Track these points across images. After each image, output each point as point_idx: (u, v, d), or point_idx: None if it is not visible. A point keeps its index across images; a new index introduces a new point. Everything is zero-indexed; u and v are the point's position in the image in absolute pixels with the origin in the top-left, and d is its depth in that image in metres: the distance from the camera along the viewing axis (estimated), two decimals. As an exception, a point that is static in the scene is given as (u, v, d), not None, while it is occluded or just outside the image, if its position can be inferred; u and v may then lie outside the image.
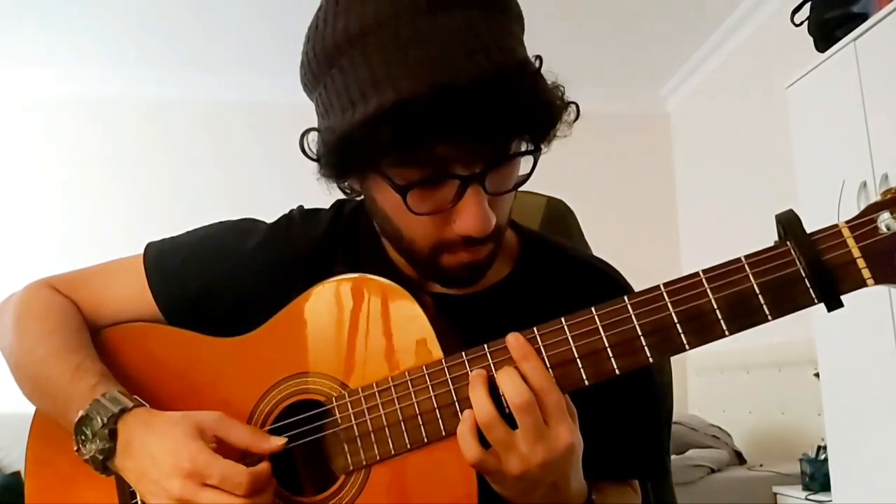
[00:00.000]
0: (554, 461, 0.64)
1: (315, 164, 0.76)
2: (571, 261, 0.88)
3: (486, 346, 0.69)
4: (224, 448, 0.70)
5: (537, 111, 0.69)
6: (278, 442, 0.71)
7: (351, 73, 0.67)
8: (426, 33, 0.64)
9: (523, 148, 0.71)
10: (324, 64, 0.70)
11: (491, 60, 0.64)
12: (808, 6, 2.37)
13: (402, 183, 0.69)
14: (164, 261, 0.87)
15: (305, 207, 0.92)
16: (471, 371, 0.67)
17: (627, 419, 0.80)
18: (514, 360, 0.66)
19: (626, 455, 0.80)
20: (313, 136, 0.75)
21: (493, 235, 0.73)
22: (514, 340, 0.66)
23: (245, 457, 0.71)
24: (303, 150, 0.75)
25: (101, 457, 0.71)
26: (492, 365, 0.67)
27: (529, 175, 0.73)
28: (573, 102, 0.72)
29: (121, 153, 4.09)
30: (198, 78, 4.12)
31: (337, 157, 0.71)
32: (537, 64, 0.70)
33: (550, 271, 0.85)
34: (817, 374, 2.31)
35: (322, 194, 0.92)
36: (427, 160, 0.67)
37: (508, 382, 0.65)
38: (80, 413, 0.72)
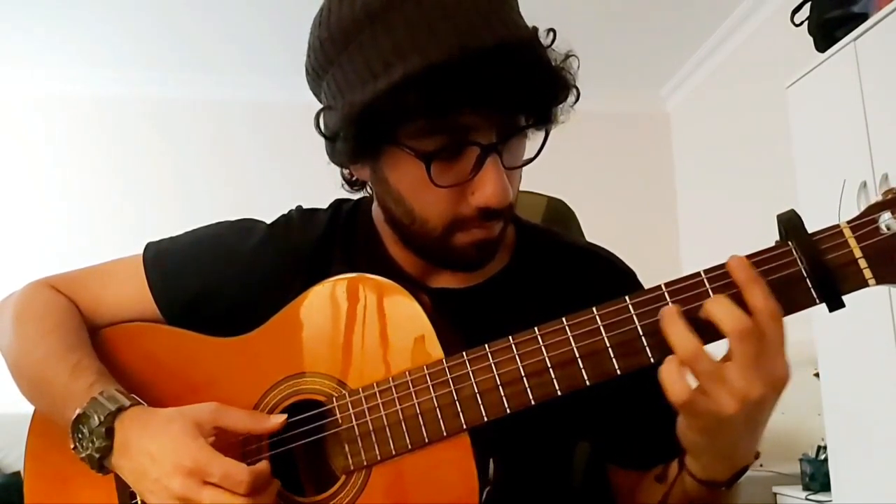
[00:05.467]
0: (770, 397, 0.60)
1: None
2: (569, 248, 0.88)
3: (486, 346, 0.68)
4: (223, 439, 0.70)
5: (553, 79, 0.72)
6: (278, 420, 0.72)
7: (372, 47, 0.68)
8: (450, 6, 0.67)
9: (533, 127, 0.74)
10: (340, 42, 0.71)
11: (510, 30, 0.69)
12: (808, 6, 2.36)
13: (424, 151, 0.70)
14: (163, 261, 0.87)
15: (304, 207, 0.91)
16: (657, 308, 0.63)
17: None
18: (740, 283, 0.61)
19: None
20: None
21: (506, 210, 0.74)
22: (737, 262, 0.61)
23: (246, 457, 0.70)
24: (318, 128, 0.76)
25: (97, 455, 0.71)
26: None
27: (538, 154, 0.75)
28: (575, 86, 0.75)
29: (122, 153, 4.08)
30: (199, 77, 4.11)
31: (358, 128, 0.70)
32: (550, 37, 0.73)
33: (548, 260, 0.85)
34: (817, 374, 2.30)
35: (324, 193, 0.92)
36: (449, 128, 0.69)
37: (724, 309, 0.60)
38: (77, 411, 0.72)
